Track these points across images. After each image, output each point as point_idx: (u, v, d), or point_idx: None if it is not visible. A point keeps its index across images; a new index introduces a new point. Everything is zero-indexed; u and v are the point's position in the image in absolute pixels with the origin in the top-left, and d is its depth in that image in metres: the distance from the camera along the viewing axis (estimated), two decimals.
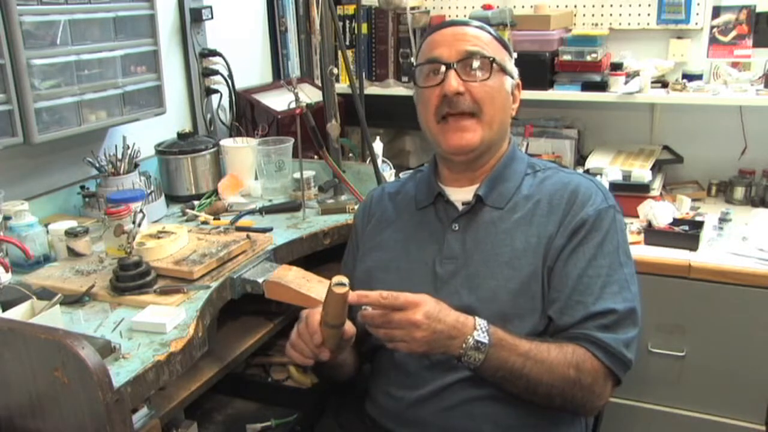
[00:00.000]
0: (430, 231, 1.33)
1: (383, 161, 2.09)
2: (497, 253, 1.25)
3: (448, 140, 1.27)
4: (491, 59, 1.25)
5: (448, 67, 1.24)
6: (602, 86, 2.25)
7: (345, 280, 1.07)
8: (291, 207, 1.83)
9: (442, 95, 1.25)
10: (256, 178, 2.01)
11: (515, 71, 1.34)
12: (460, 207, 1.32)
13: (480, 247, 1.27)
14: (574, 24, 2.45)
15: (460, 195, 1.33)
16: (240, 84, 2.31)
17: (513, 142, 1.38)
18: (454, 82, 1.23)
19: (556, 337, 1.20)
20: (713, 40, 2.30)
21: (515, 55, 1.37)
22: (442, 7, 2.61)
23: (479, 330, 1.11)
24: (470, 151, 1.28)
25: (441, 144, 1.30)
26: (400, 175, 1.90)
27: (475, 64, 1.25)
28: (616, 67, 2.23)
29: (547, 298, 1.22)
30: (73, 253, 1.49)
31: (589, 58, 2.24)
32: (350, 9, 2.47)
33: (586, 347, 1.16)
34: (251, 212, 1.81)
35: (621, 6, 2.38)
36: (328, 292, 1.09)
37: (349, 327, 1.18)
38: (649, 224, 2.03)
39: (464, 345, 1.10)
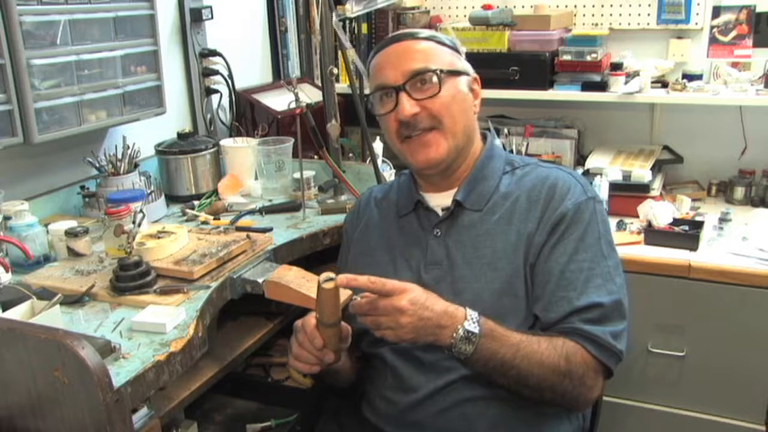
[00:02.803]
0: (413, 238, 1.34)
1: (383, 161, 2.09)
2: (479, 256, 1.25)
3: (415, 158, 1.28)
4: (438, 71, 1.24)
5: (398, 90, 1.24)
6: (602, 86, 2.25)
7: (332, 274, 1.07)
8: (291, 207, 1.83)
9: (398, 119, 1.25)
10: (256, 178, 2.01)
11: (469, 67, 1.33)
12: (440, 213, 1.32)
13: (462, 250, 1.27)
14: (574, 24, 2.45)
15: (439, 200, 1.33)
16: (240, 84, 2.31)
17: (490, 140, 1.37)
18: (407, 105, 1.23)
19: (544, 333, 1.19)
20: (713, 40, 2.30)
21: (464, 50, 1.35)
22: (442, 7, 2.61)
23: (470, 320, 1.10)
24: (438, 164, 1.28)
25: (410, 162, 1.31)
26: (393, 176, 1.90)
27: (424, 80, 1.24)
28: (616, 67, 2.23)
29: (531, 296, 1.22)
30: (73, 253, 1.48)
31: (589, 58, 2.24)
32: None
33: (575, 340, 1.16)
34: (251, 212, 1.81)
35: (621, 6, 2.38)
36: (319, 291, 1.08)
37: (344, 325, 1.18)
38: (649, 224, 2.04)
39: (454, 335, 1.09)
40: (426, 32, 1.31)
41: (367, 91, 2.30)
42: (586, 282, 1.19)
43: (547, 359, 1.13)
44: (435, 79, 1.24)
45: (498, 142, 1.40)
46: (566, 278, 1.19)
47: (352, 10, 1.89)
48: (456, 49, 1.32)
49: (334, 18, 1.81)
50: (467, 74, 1.31)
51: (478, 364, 1.13)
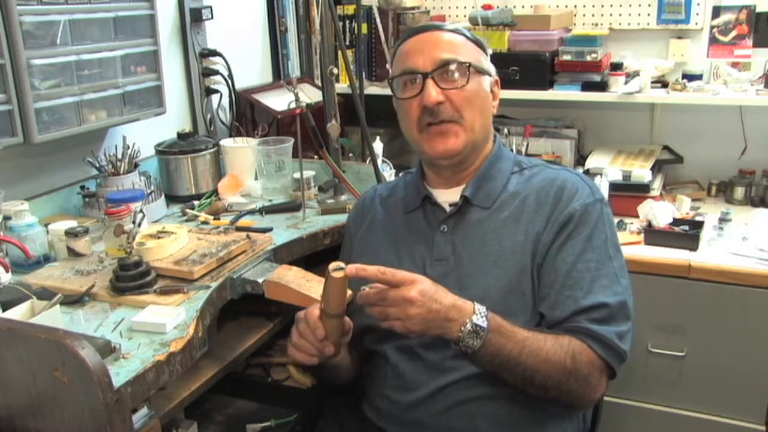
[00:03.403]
0: (419, 233, 1.34)
1: (383, 161, 2.09)
2: (486, 253, 1.25)
3: (432, 147, 1.28)
4: (467, 64, 1.25)
5: (425, 76, 1.24)
6: (602, 86, 2.25)
7: (342, 264, 1.07)
8: (291, 207, 1.83)
9: (422, 106, 1.25)
10: (256, 178, 2.01)
11: (492, 68, 1.34)
12: (448, 208, 1.32)
13: (469, 247, 1.27)
14: (574, 24, 2.45)
15: (447, 196, 1.34)
16: (240, 84, 2.31)
17: (498, 141, 1.38)
18: (433, 92, 1.23)
19: (550, 330, 1.19)
20: (713, 40, 2.30)
21: (490, 51, 1.37)
22: (442, 7, 2.61)
23: (478, 314, 1.10)
24: (455, 156, 1.28)
25: (425, 151, 1.30)
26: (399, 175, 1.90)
27: (452, 70, 1.24)
28: (616, 67, 2.23)
29: (537, 295, 1.22)
30: (73, 253, 1.48)
31: (589, 58, 2.24)
32: (350, 9, 2.47)
33: (581, 339, 1.16)
34: (251, 212, 1.81)
35: (621, 6, 2.38)
36: (328, 279, 1.08)
37: (346, 319, 1.18)
38: (649, 224, 2.03)
39: (462, 329, 1.09)
40: (455, 26, 1.32)
41: (367, 91, 2.32)
42: (592, 282, 1.19)
43: (554, 357, 1.13)
44: (463, 71, 1.25)
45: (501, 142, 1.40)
46: (573, 278, 1.20)
47: None
48: (483, 48, 1.33)
49: (374, 3, 1.88)
50: (490, 75, 1.33)
51: (485, 360, 1.13)
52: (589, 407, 1.30)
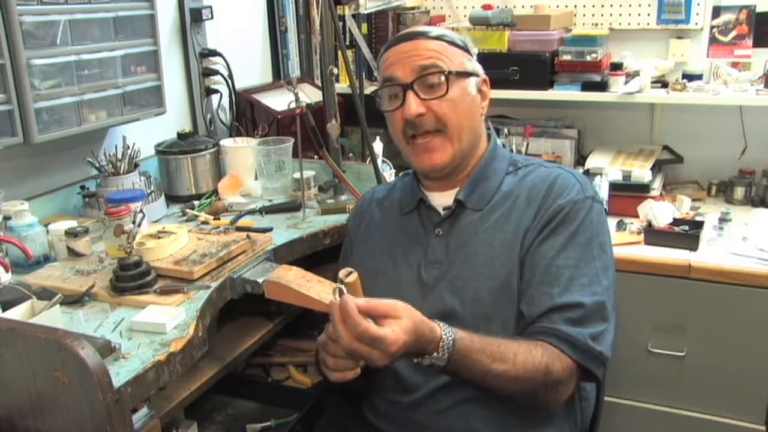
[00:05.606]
0: (414, 236, 1.33)
1: (383, 161, 2.09)
2: (477, 255, 1.24)
3: (419, 161, 1.28)
4: (446, 72, 1.23)
5: (406, 88, 1.23)
6: (602, 86, 2.24)
7: (350, 269, 1.05)
8: (291, 207, 1.83)
9: (404, 118, 1.24)
10: (256, 178, 2.01)
11: (479, 68, 1.32)
12: (442, 212, 1.32)
13: (462, 249, 1.26)
14: (574, 24, 2.45)
15: (442, 199, 1.33)
16: (240, 84, 2.31)
17: (494, 140, 1.37)
18: (413, 104, 1.22)
19: (525, 333, 1.18)
20: (713, 40, 2.30)
21: (475, 51, 1.34)
22: (442, 7, 2.61)
23: (441, 350, 1.05)
24: (443, 169, 1.28)
25: (414, 164, 1.31)
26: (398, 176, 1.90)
27: (432, 80, 1.23)
28: (616, 67, 2.23)
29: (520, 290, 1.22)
30: (73, 253, 1.49)
31: (589, 58, 2.24)
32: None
33: (554, 344, 1.14)
34: (251, 212, 1.81)
35: (621, 6, 2.38)
36: (346, 288, 1.05)
37: None
38: (649, 224, 2.03)
39: (420, 359, 1.07)
40: (437, 31, 1.29)
41: (367, 91, 2.31)
42: (570, 280, 1.18)
43: (524, 375, 1.11)
44: (443, 79, 1.23)
45: (498, 142, 1.40)
46: (551, 273, 1.19)
47: (366, 6, 1.90)
48: (467, 50, 1.31)
49: (347, 11, 1.83)
50: (477, 75, 1.30)
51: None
52: (554, 409, 1.27)
